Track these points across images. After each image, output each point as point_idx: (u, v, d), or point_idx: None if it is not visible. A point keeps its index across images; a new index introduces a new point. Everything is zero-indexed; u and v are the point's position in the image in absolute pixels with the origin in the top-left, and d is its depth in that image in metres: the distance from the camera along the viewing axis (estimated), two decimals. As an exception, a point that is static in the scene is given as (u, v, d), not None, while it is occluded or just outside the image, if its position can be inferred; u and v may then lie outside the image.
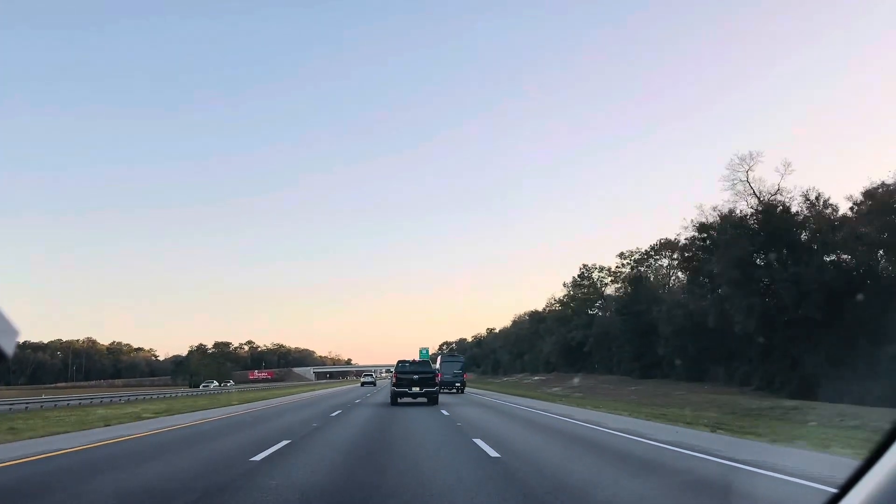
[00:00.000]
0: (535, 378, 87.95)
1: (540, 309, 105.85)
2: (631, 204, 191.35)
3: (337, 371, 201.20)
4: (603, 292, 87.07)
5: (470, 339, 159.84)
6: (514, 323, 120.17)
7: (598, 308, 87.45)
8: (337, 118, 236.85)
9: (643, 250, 77.75)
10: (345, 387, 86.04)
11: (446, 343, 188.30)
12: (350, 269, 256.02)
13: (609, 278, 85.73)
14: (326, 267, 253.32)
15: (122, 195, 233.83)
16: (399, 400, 26.39)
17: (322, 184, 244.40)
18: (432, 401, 26.26)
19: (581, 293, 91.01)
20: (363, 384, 73.77)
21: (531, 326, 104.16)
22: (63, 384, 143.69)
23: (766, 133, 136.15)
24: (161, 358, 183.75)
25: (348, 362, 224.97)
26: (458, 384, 43.02)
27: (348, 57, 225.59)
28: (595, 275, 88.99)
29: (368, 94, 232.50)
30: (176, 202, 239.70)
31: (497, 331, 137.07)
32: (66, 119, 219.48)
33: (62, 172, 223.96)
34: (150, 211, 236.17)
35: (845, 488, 1.55)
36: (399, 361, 27.68)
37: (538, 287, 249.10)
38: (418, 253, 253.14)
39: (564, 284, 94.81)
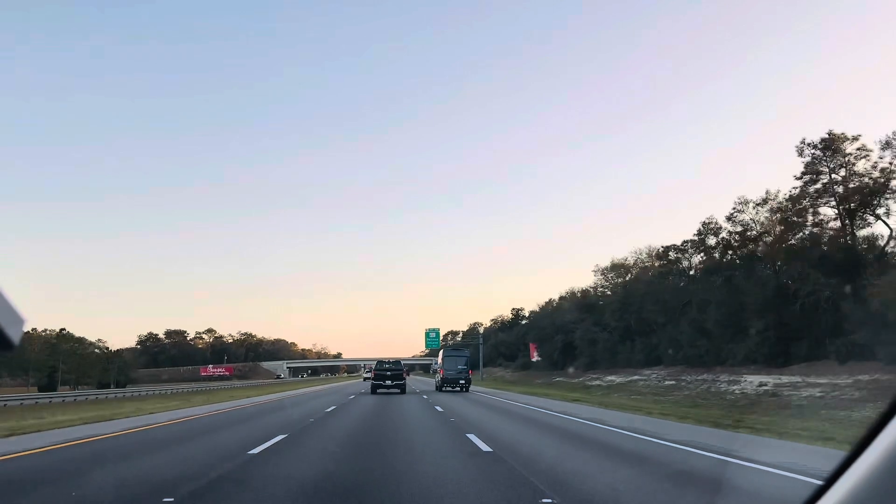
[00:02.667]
0: (765, 378, 35.89)
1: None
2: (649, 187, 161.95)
3: (321, 366, 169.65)
4: None
5: (488, 324, 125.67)
6: (605, 276, 71.82)
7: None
8: (312, 105, 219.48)
9: None
10: (320, 386, 56.23)
11: (451, 333, 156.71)
12: (338, 257, 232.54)
13: None
14: (309, 255, 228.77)
15: (79, 175, 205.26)
16: (377, 390, 35.02)
17: (310, 163, 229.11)
18: (402, 390, 35.08)
19: None
20: (365, 379, 73.94)
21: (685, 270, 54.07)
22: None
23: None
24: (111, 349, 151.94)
25: (337, 356, 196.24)
26: (462, 381, 40.29)
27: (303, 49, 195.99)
28: None
29: (347, 80, 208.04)
30: (141, 185, 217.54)
31: (564, 295, 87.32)
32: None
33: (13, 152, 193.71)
34: (107, 194, 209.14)
35: (831, 480, 1.49)
36: (378, 361, 37.18)
37: (558, 274, 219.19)
38: (415, 242, 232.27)
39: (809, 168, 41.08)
